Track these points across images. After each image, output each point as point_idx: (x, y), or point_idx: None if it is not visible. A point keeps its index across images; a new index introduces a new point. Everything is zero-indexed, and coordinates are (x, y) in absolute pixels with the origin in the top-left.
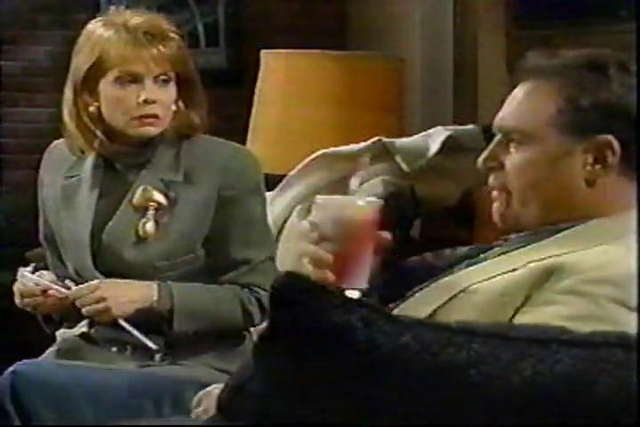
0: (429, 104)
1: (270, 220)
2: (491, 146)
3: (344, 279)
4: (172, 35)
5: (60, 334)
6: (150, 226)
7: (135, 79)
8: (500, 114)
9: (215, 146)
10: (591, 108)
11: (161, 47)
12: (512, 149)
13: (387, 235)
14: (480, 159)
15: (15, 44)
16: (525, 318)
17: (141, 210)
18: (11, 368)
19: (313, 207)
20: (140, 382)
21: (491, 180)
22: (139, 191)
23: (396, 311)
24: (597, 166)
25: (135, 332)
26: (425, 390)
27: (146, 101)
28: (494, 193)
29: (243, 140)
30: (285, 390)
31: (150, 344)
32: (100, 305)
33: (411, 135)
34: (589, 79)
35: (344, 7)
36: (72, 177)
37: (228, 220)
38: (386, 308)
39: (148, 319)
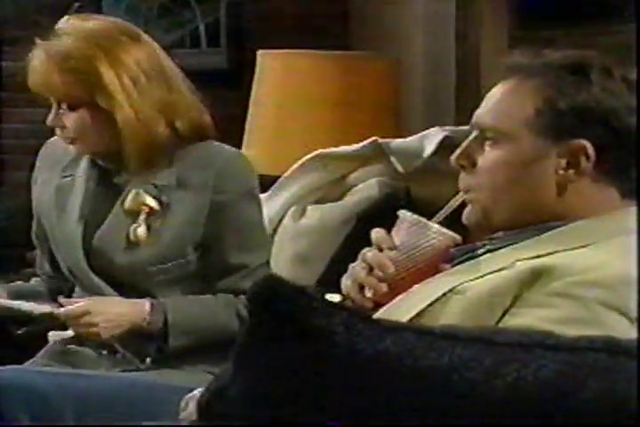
0: (431, 105)
1: (265, 221)
2: (465, 143)
3: (384, 301)
4: (75, 62)
5: (52, 335)
6: (142, 230)
7: (49, 103)
8: (479, 111)
9: (209, 150)
10: (569, 112)
11: (58, 74)
12: (487, 147)
13: (446, 267)
14: (453, 156)
15: (16, 45)
16: (514, 320)
17: (133, 214)
18: None
19: (397, 221)
20: (126, 389)
21: (460, 178)
22: (131, 195)
23: (383, 311)
24: (570, 171)
25: (122, 351)
26: (407, 395)
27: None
28: (465, 196)
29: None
30: (265, 395)
31: (137, 364)
32: (89, 330)
33: (411, 136)
34: (570, 81)
35: (347, 8)
36: (67, 176)
37: (222, 224)
38: (374, 309)
39: (140, 337)
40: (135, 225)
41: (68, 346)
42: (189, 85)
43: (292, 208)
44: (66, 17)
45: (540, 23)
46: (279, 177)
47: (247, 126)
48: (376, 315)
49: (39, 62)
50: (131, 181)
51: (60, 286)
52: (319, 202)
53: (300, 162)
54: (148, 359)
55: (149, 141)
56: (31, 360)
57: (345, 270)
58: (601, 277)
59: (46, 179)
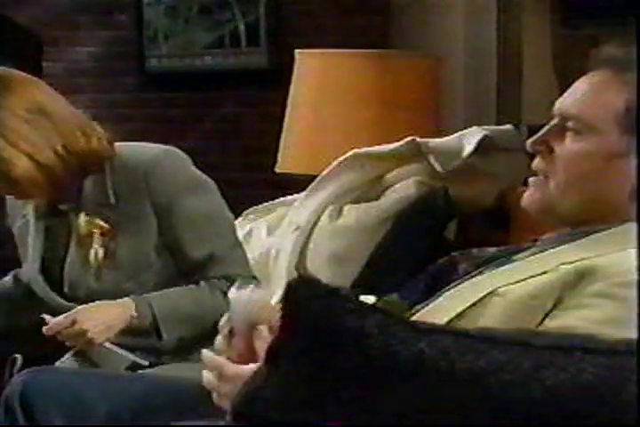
0: (472, 105)
1: (302, 220)
2: (544, 129)
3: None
4: None
5: None
6: (100, 253)
7: None
8: (563, 99)
9: (134, 157)
10: None
11: None
12: (568, 137)
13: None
14: (530, 140)
15: (57, 46)
16: (555, 321)
17: (89, 238)
18: (21, 376)
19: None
20: (157, 387)
21: (535, 162)
22: (81, 220)
23: (423, 313)
24: None
25: (122, 352)
26: (442, 397)
27: None
28: (532, 178)
29: None
30: (298, 397)
31: (139, 361)
32: (81, 338)
33: (450, 135)
34: None
35: (387, 6)
36: (22, 217)
37: (173, 224)
38: (413, 310)
39: (133, 335)
40: (93, 250)
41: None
42: (74, 113)
43: (330, 208)
44: None
45: (583, 22)
46: (317, 176)
47: (285, 126)
48: (417, 315)
49: None
50: (76, 206)
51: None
52: (356, 202)
53: (337, 161)
54: (164, 357)
55: (56, 179)
56: (60, 360)
57: (381, 270)
58: None
59: (12, 217)
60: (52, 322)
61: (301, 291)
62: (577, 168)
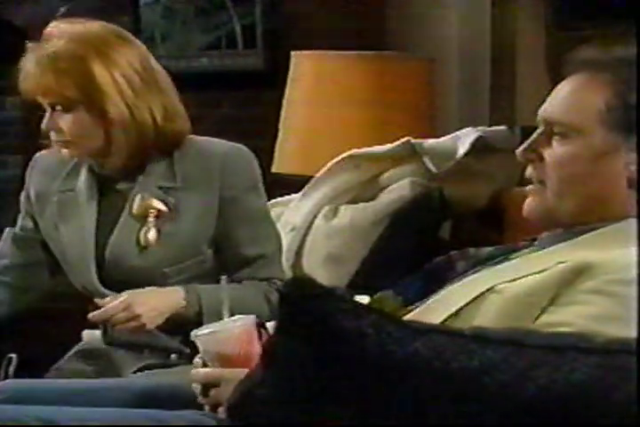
0: (465, 106)
1: (298, 221)
2: (532, 137)
3: None
4: (67, 63)
5: (86, 333)
6: (152, 234)
7: (43, 107)
8: (546, 106)
9: (208, 147)
10: (638, 107)
11: (52, 76)
12: (555, 142)
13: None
14: (519, 150)
15: None
16: (550, 317)
17: (142, 219)
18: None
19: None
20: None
21: (528, 171)
22: (137, 200)
23: (420, 310)
24: None
25: (167, 338)
26: (436, 397)
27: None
28: (529, 187)
29: None
30: (294, 396)
31: (183, 348)
32: (133, 322)
33: (444, 137)
34: (637, 77)
35: (381, 8)
36: (67, 191)
37: (232, 219)
38: (410, 307)
39: (175, 323)
40: (145, 229)
41: (98, 344)
42: (175, 91)
43: (325, 208)
44: (54, 22)
45: (575, 24)
46: (312, 177)
47: (281, 126)
48: (413, 314)
49: (32, 66)
50: (135, 186)
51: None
52: (352, 202)
53: (332, 162)
54: (174, 355)
55: (140, 143)
56: (62, 360)
57: (377, 270)
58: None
59: (43, 195)
60: (108, 307)
61: (297, 291)
62: (568, 171)
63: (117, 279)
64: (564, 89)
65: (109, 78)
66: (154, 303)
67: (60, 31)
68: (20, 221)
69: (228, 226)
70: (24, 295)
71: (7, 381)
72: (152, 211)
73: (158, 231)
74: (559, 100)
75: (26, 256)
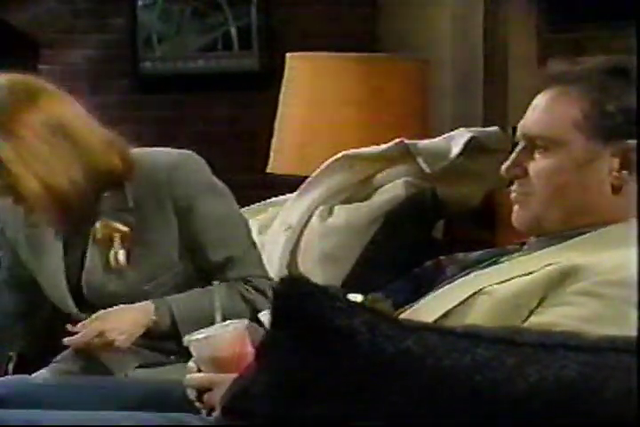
0: (458, 107)
1: (293, 220)
2: (514, 154)
3: None
4: None
5: None
6: (121, 255)
7: None
8: (524, 121)
9: (153, 163)
10: (617, 113)
11: None
12: (537, 155)
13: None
14: (504, 167)
15: (53, 48)
16: (539, 318)
17: (108, 243)
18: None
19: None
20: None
21: (514, 187)
22: (99, 226)
23: (409, 312)
24: (624, 172)
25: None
26: (428, 394)
27: None
28: (514, 195)
29: None
30: (287, 394)
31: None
32: (109, 347)
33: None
34: (614, 84)
35: (374, 10)
36: (31, 226)
37: (193, 227)
38: (400, 310)
39: (150, 338)
40: (113, 252)
41: None
42: (96, 125)
43: (320, 208)
44: None
45: (568, 25)
46: (307, 177)
47: (276, 127)
48: (404, 315)
49: None
50: (94, 213)
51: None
52: (346, 202)
53: (327, 163)
54: (173, 357)
55: (65, 201)
56: (60, 356)
57: (371, 269)
58: (626, 276)
59: (13, 227)
60: (79, 336)
61: (291, 289)
62: (553, 183)
63: (100, 305)
64: (539, 104)
65: (12, 153)
66: (124, 325)
67: None
68: (4, 262)
69: (192, 234)
70: (34, 320)
71: (10, 376)
72: (115, 233)
73: (127, 253)
74: (536, 115)
75: (28, 299)
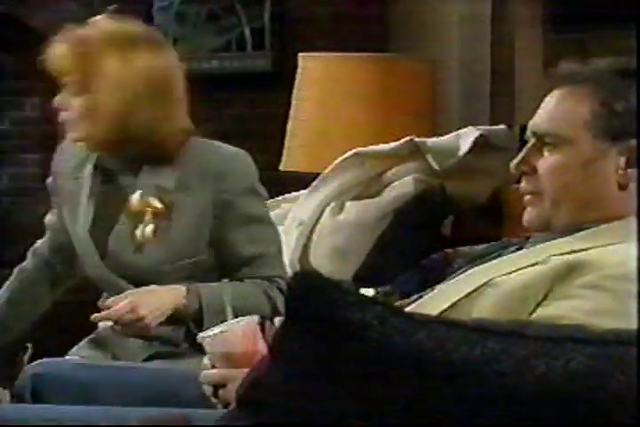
0: (466, 106)
1: (305, 216)
2: (524, 150)
3: None
4: (87, 49)
5: (102, 323)
6: (149, 231)
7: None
8: (534, 118)
9: (208, 151)
10: (625, 113)
11: (70, 57)
12: (546, 153)
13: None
14: (513, 164)
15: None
16: (546, 311)
17: (140, 216)
18: (32, 368)
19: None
20: (164, 380)
21: (523, 184)
22: (135, 197)
23: (416, 305)
24: (630, 170)
25: (170, 332)
26: (439, 387)
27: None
28: (526, 197)
29: None
30: (300, 386)
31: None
32: (139, 324)
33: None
34: (622, 85)
35: (386, 11)
36: (75, 178)
37: (228, 222)
38: (407, 301)
39: (176, 319)
40: (142, 226)
41: (109, 333)
42: (185, 100)
43: (331, 204)
44: (103, 15)
45: (574, 26)
46: (319, 174)
47: (289, 126)
48: (410, 308)
49: (58, 44)
50: (134, 183)
51: (58, 273)
52: (357, 198)
53: (338, 160)
54: (185, 345)
55: (134, 142)
56: (76, 347)
57: (381, 264)
58: (633, 270)
59: (62, 183)
60: (112, 310)
61: (304, 284)
62: (561, 180)
63: (119, 273)
64: (550, 102)
65: (116, 73)
66: (157, 303)
67: (99, 23)
68: (52, 215)
69: (225, 228)
70: (66, 281)
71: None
72: (149, 209)
73: (155, 229)
74: (546, 113)
75: (61, 239)
